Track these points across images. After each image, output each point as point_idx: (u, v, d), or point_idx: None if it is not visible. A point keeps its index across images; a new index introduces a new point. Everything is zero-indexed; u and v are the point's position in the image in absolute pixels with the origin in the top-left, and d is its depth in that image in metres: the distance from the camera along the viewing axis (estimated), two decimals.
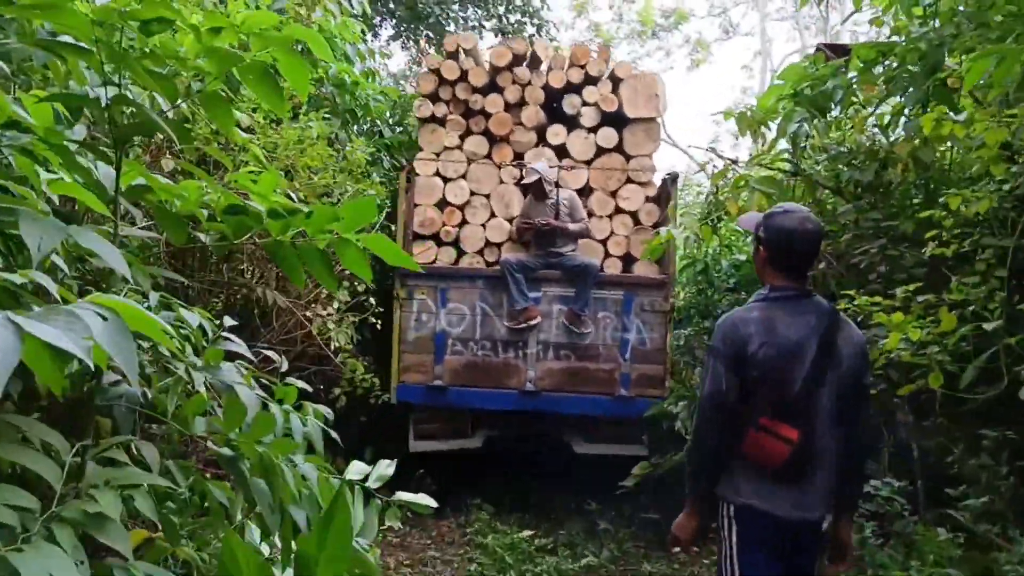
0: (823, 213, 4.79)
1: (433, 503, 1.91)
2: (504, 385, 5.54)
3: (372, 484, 1.86)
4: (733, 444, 2.22)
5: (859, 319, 3.62)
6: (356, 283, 5.25)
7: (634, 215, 5.83)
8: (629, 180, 5.87)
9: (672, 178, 5.65)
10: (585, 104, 5.93)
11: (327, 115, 5.21)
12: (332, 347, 4.95)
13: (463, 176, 5.98)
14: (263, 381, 1.95)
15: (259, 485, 1.53)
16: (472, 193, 5.97)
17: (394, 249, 1.62)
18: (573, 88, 5.97)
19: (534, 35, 9.67)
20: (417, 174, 5.92)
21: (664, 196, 5.71)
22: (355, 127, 6.23)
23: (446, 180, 5.96)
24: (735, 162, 4.81)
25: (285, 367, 1.98)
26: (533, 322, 5.47)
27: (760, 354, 2.18)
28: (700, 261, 5.83)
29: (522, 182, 5.70)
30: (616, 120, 5.93)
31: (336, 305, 5.07)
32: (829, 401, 2.20)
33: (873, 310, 3.20)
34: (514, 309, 5.46)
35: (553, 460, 6.22)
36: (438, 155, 6.00)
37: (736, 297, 5.52)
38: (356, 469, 1.87)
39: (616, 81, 5.92)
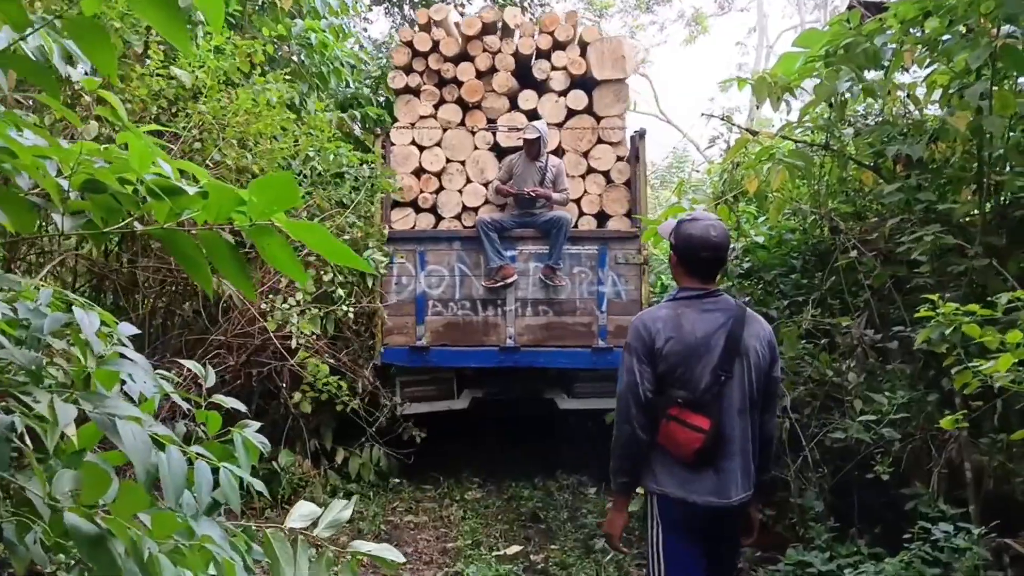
0: (858, 192, 4.46)
1: (400, 557, 1.49)
2: (484, 343, 5.67)
3: (323, 532, 1.47)
4: (650, 435, 2.37)
5: (910, 326, 3.49)
6: (323, 269, 5.01)
7: (606, 174, 5.98)
8: (600, 140, 6.02)
9: (640, 134, 5.80)
10: (554, 68, 6.09)
11: (289, 77, 4.90)
12: (295, 343, 4.61)
13: (438, 144, 6.12)
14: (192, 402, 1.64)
15: None
16: (448, 160, 6.11)
17: (334, 245, 1.20)
18: (542, 54, 6.12)
19: (524, 2, 9.31)
20: (393, 143, 6.07)
21: (633, 154, 5.85)
22: (324, 92, 5.91)
23: (422, 148, 6.11)
24: (755, 133, 4.33)
25: (212, 381, 1.63)
26: (510, 280, 5.61)
27: (666, 349, 2.33)
28: None
29: (523, 136, 5.72)
30: (585, 83, 6.09)
31: (299, 296, 4.73)
32: (739, 392, 2.35)
33: (963, 321, 2.69)
34: (490, 268, 5.60)
35: (539, 422, 6.36)
36: (413, 124, 6.15)
37: (747, 285, 5.09)
38: (301, 513, 1.49)
39: (584, 46, 6.07)
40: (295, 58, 5.32)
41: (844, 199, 4.69)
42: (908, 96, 3.90)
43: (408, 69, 6.22)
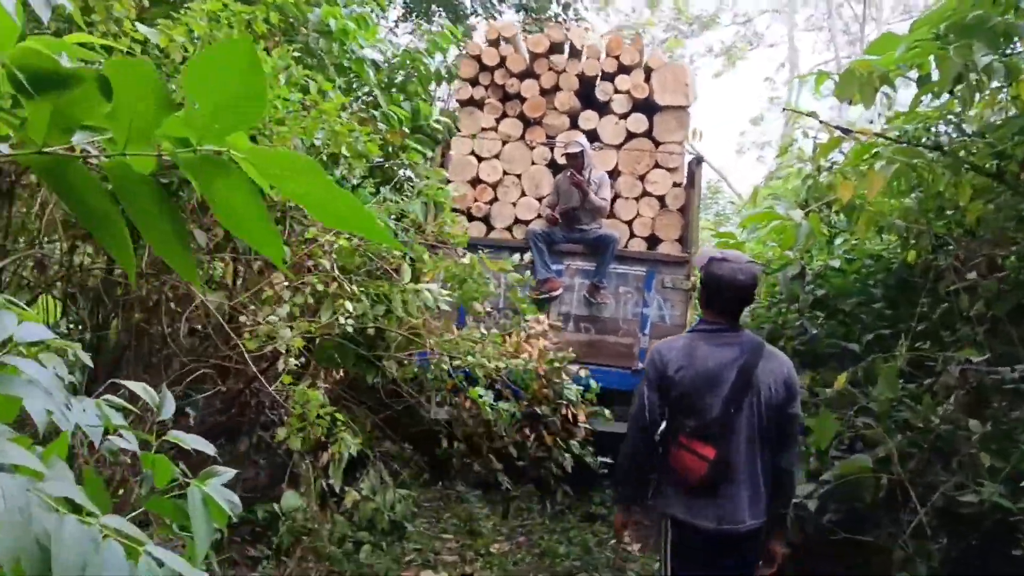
0: (954, 207, 3.54)
1: None
2: None
3: None
4: (657, 459, 2.50)
5: None
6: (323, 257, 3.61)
7: (661, 199, 5.98)
8: (657, 165, 6.04)
9: (697, 160, 5.80)
10: (617, 91, 6.15)
11: (299, 54, 4.05)
12: (284, 364, 3.26)
13: (497, 156, 6.23)
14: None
15: None
16: (504, 172, 6.21)
17: (348, 205, 0.74)
18: (606, 76, 6.20)
19: (559, 15, 9.12)
20: (451, 152, 6.20)
21: (689, 180, 5.85)
22: (342, 81, 5.01)
23: (480, 159, 6.22)
24: (847, 132, 3.48)
25: (169, 411, 1.25)
26: (555, 293, 5.63)
27: (677, 377, 2.42)
28: (795, 262, 4.07)
29: (565, 151, 5.79)
30: (647, 107, 6.13)
31: (287, 306, 3.29)
32: (747, 425, 2.41)
33: None
34: (538, 280, 5.63)
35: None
36: (474, 136, 6.27)
37: (820, 317, 4.39)
38: None
39: (648, 71, 6.13)
40: (311, 43, 4.49)
41: (936, 215, 3.85)
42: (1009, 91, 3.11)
43: (474, 82, 6.37)
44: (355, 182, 4.13)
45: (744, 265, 2.51)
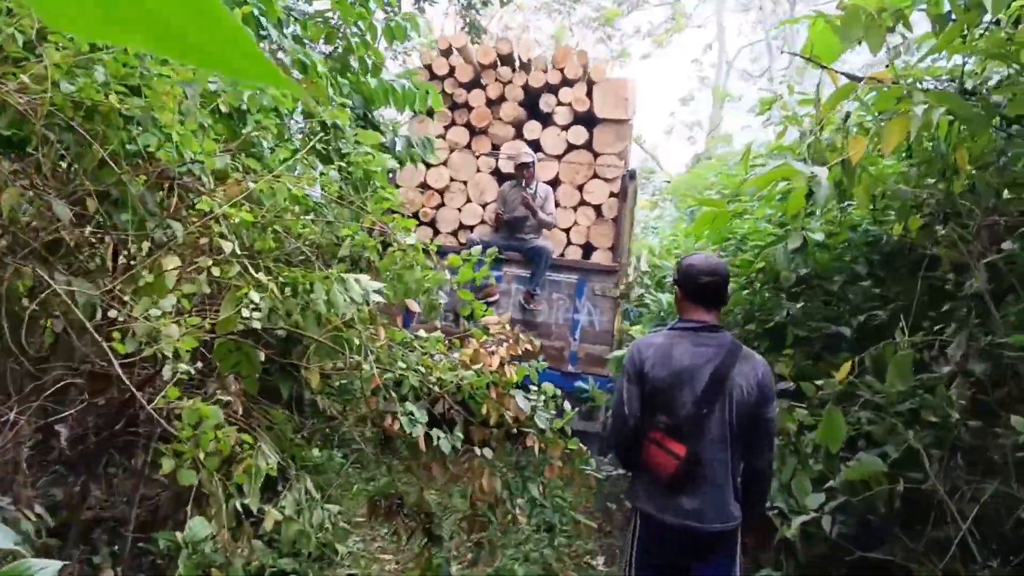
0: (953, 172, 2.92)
1: None
2: None
3: None
4: (635, 452, 2.54)
5: None
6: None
7: (597, 208, 6.25)
8: (596, 175, 6.30)
9: (631, 174, 6.07)
10: (560, 104, 6.40)
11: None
12: (170, 372, 2.34)
13: (444, 163, 6.49)
14: None
15: None
16: (451, 179, 6.47)
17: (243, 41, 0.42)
18: (551, 88, 6.44)
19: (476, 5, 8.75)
20: (403, 164, 6.45)
21: (623, 191, 6.12)
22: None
23: (428, 165, 6.48)
24: (857, 79, 2.80)
25: None
26: (492, 299, 5.92)
27: (652, 373, 2.44)
28: (794, 233, 3.58)
29: (518, 160, 6.03)
30: (588, 120, 6.38)
31: (173, 297, 2.40)
32: (719, 425, 2.43)
33: None
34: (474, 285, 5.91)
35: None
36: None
37: (797, 297, 3.87)
38: None
39: (591, 84, 6.37)
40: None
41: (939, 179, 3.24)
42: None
43: None
44: (270, 146, 3.23)
45: (717, 260, 2.63)
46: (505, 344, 3.39)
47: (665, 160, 16.99)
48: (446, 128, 6.56)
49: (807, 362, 3.53)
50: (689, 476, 2.39)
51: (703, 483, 2.42)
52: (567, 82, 6.41)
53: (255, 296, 2.55)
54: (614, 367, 4.78)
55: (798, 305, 3.76)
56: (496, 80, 6.48)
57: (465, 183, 6.47)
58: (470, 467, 3.27)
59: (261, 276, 2.54)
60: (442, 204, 6.47)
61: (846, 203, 3.73)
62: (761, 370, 2.50)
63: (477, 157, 6.46)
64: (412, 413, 3.07)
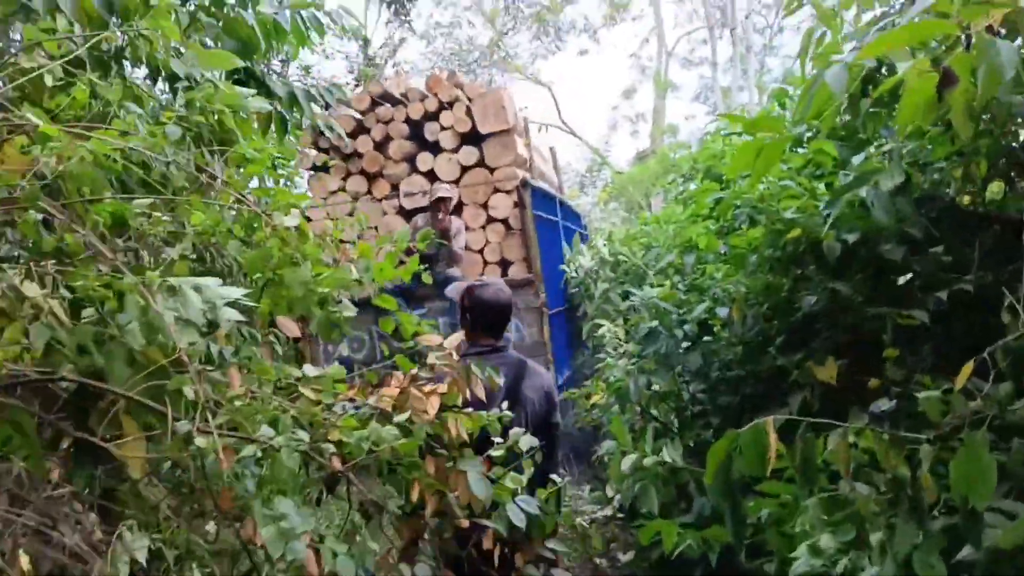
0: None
1: None
2: None
3: None
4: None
5: None
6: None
7: (504, 221, 6.31)
8: (496, 190, 6.35)
9: (523, 183, 6.10)
10: (443, 129, 6.44)
11: None
12: None
13: (350, 214, 6.57)
14: None
15: None
16: (362, 228, 6.55)
17: None
18: (431, 116, 6.47)
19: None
20: (310, 219, 6.54)
21: (520, 202, 6.16)
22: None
23: (335, 220, 6.57)
24: None
25: None
26: None
27: (460, 400, 2.58)
28: (888, 168, 2.33)
29: (436, 196, 6.08)
30: (475, 138, 6.41)
31: None
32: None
33: None
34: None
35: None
36: (325, 199, 6.61)
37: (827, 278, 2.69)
38: None
39: (467, 103, 6.39)
40: None
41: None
42: None
43: (316, 147, 6.68)
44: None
45: (503, 287, 2.85)
46: (447, 381, 2.12)
47: (611, 156, 16.91)
48: (344, 179, 6.63)
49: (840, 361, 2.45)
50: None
51: None
52: (444, 106, 6.44)
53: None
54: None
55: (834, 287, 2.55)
56: (378, 121, 6.53)
57: (376, 229, 6.55)
58: None
59: (31, 288, 1.43)
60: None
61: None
62: (547, 381, 2.80)
63: (379, 200, 6.53)
64: (284, 518, 1.57)
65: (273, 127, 2.93)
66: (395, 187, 6.55)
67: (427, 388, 2.07)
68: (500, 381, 2.55)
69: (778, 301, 2.92)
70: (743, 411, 3.03)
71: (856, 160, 2.60)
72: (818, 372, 2.45)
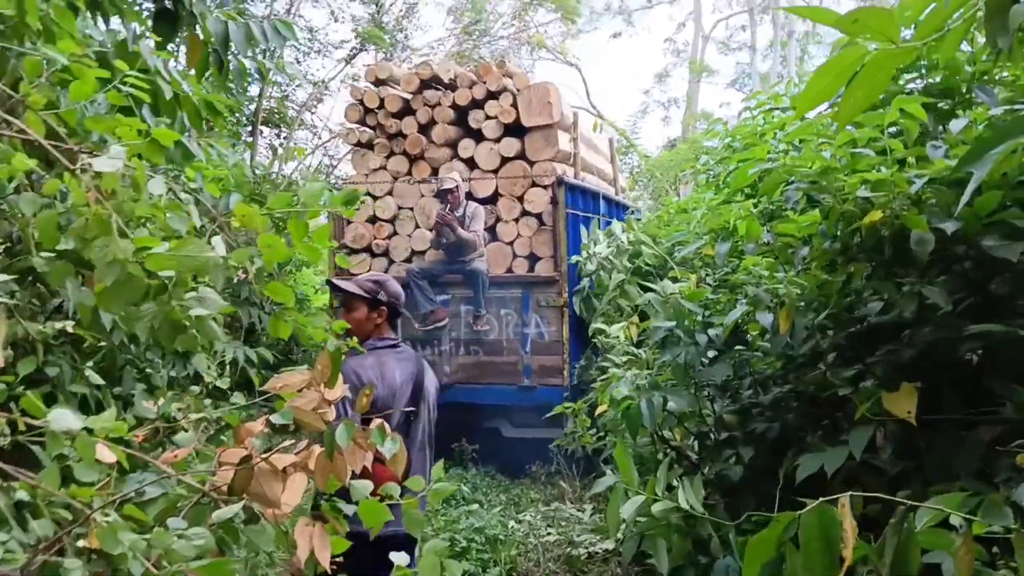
0: None
1: None
2: None
3: None
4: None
5: None
6: None
7: (539, 216, 6.28)
8: (534, 184, 6.31)
9: (558, 181, 6.05)
10: (488, 117, 6.42)
11: None
12: None
13: (389, 193, 6.66)
14: None
15: None
16: (399, 207, 6.64)
17: None
18: (477, 104, 6.46)
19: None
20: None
21: (552, 199, 6.11)
22: None
23: (375, 197, 6.67)
24: None
25: None
26: (441, 323, 6.09)
27: (373, 394, 2.60)
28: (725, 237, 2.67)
29: (441, 188, 6.16)
30: (518, 130, 6.38)
31: None
32: (421, 431, 2.76)
33: None
34: (422, 312, 6.10)
35: (488, 444, 6.83)
36: (367, 176, 6.71)
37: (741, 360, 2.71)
38: None
39: (514, 93, 6.35)
40: None
41: None
42: None
43: (363, 124, 6.77)
44: None
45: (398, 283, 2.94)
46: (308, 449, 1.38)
47: (640, 142, 16.49)
48: (387, 158, 6.71)
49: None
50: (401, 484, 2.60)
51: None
52: (492, 95, 6.41)
53: None
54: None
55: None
56: (425, 105, 6.56)
57: (412, 209, 6.62)
58: None
59: None
60: (395, 233, 6.65)
61: None
62: (434, 375, 2.91)
63: (419, 183, 6.58)
64: None
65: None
66: (435, 170, 6.59)
67: (288, 459, 1.30)
68: (398, 377, 2.67)
69: (837, 307, 2.29)
70: (783, 444, 2.40)
71: (956, 127, 2.08)
72: (891, 403, 1.87)
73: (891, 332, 2.15)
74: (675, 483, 2.23)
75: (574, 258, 5.75)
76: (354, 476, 1.43)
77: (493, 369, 6.07)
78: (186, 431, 1.56)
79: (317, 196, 1.42)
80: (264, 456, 1.24)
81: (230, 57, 2.50)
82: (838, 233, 2.23)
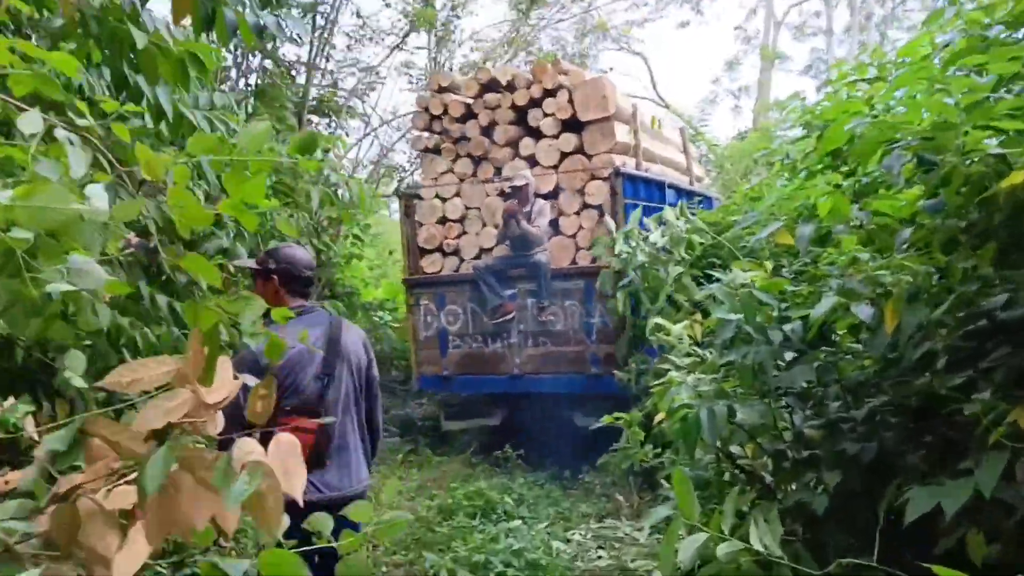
0: None
1: None
2: (496, 371, 6.49)
3: None
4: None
5: None
6: None
7: (599, 208, 6.41)
8: (593, 177, 6.45)
9: (615, 172, 6.15)
10: (545, 115, 6.61)
11: None
12: None
13: (457, 194, 6.98)
14: None
15: None
16: (466, 208, 6.95)
17: None
18: (535, 102, 6.67)
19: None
20: (422, 198, 7.04)
21: (611, 190, 6.22)
22: None
23: (444, 200, 7.01)
24: None
25: None
26: (508, 316, 6.34)
27: (269, 364, 2.39)
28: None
29: (511, 184, 6.39)
30: (575, 125, 6.53)
31: None
32: (343, 390, 2.69)
33: None
34: (491, 307, 6.37)
35: (563, 435, 7.03)
36: (435, 180, 7.06)
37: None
38: None
39: (570, 90, 6.51)
40: None
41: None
42: None
43: (429, 130, 7.13)
44: None
45: (303, 246, 2.93)
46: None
47: (709, 133, 15.89)
48: (453, 161, 7.03)
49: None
50: (324, 447, 2.54)
51: (342, 449, 2.67)
52: (549, 93, 6.60)
53: None
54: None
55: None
56: (485, 108, 6.83)
57: (479, 209, 6.91)
58: None
59: None
60: (464, 232, 6.97)
61: None
62: (362, 335, 2.87)
63: (484, 182, 6.87)
64: None
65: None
66: (498, 170, 6.85)
67: (130, 497, 0.92)
68: (314, 337, 2.59)
69: (961, 299, 1.82)
70: (880, 469, 1.98)
71: None
72: None
73: (1016, 330, 1.73)
74: (745, 509, 1.89)
75: (618, 248, 5.49)
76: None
77: (561, 358, 6.27)
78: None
79: (260, 140, 1.07)
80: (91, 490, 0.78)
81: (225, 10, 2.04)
82: (960, 204, 1.72)
